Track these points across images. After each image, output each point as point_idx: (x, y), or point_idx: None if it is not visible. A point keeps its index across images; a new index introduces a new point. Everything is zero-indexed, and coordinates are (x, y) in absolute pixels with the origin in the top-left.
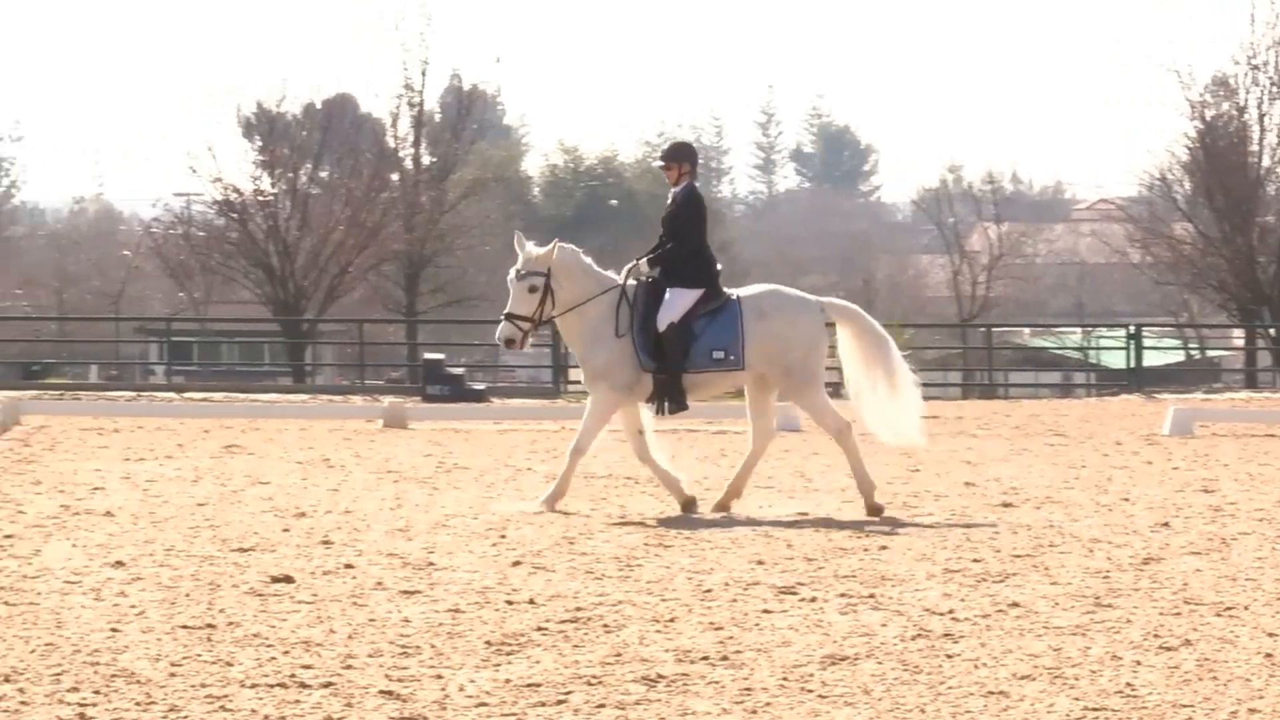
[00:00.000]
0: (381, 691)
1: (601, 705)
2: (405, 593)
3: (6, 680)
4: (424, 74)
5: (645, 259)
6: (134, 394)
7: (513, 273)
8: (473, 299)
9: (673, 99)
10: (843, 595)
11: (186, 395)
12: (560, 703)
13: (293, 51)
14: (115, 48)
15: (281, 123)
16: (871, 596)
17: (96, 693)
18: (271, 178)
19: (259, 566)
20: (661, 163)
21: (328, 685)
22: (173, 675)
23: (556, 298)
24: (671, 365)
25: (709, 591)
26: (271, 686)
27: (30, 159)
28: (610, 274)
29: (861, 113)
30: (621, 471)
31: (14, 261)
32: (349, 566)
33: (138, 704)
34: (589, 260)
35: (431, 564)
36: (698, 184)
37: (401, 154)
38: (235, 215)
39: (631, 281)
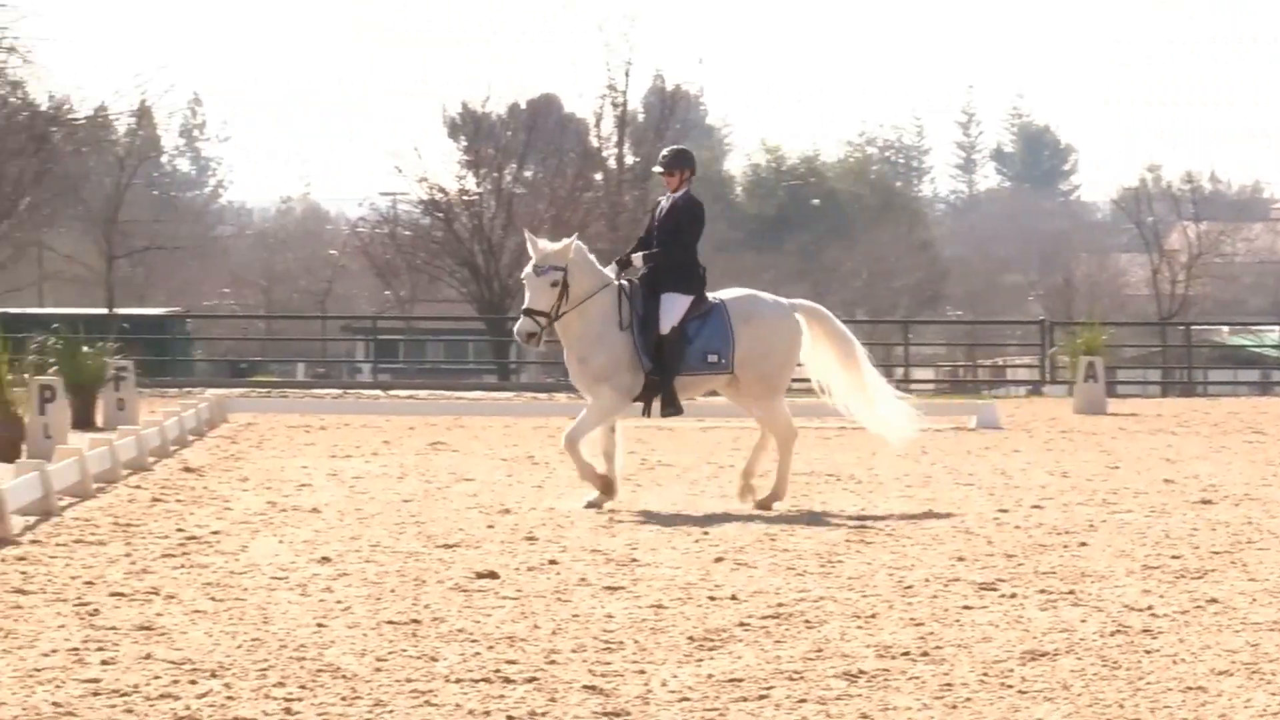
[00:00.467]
0: (585, 687)
1: (803, 700)
2: (609, 588)
3: (213, 675)
4: (627, 74)
5: (639, 255)
6: (340, 391)
7: (530, 268)
8: None
9: (874, 99)
10: (1042, 591)
11: (392, 393)
12: (762, 698)
13: (498, 52)
14: (322, 47)
15: (487, 123)
16: (1071, 593)
17: (302, 687)
18: (477, 177)
19: (464, 562)
20: (662, 169)
21: (531, 680)
22: (378, 670)
23: (570, 294)
24: (670, 368)
25: (910, 588)
26: (476, 681)
27: (238, 159)
28: (608, 271)
29: (1061, 113)
30: (823, 469)
31: (222, 261)
32: (553, 562)
33: (343, 699)
34: (592, 256)
35: (635, 560)
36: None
37: (605, 153)
38: (441, 214)
39: (624, 281)
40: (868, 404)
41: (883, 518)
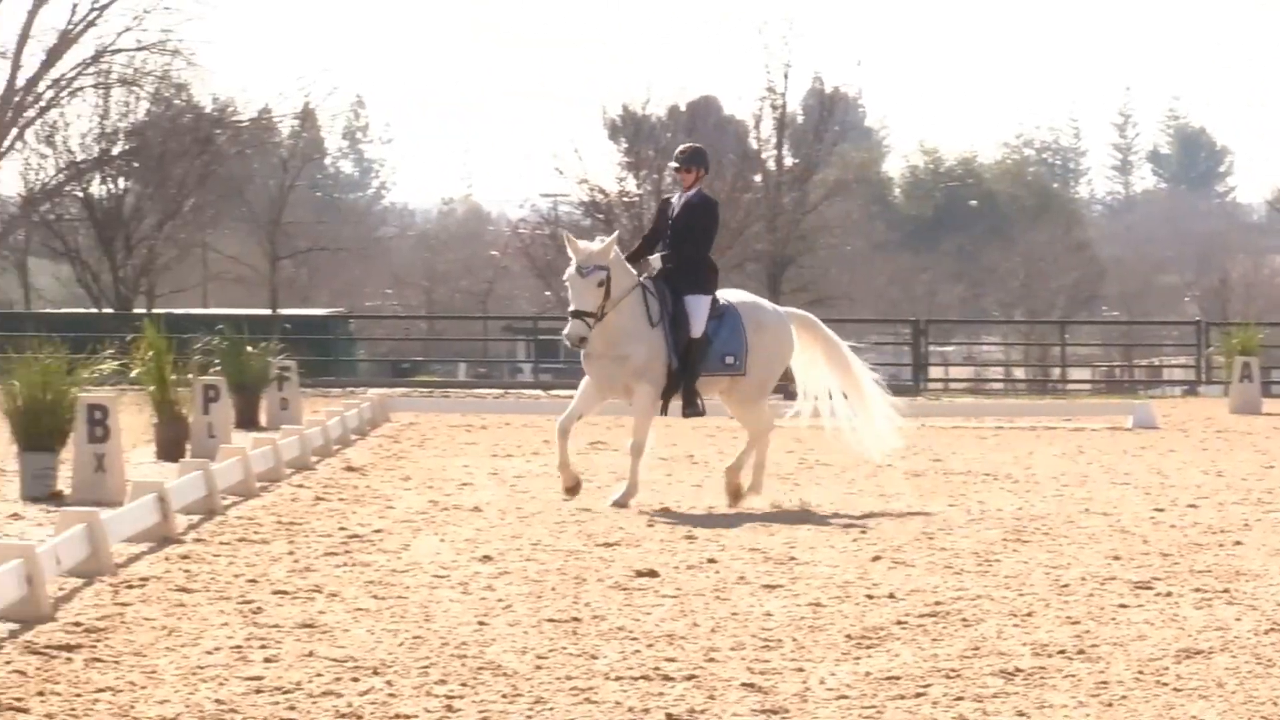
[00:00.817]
0: (743, 684)
1: (960, 698)
2: (767, 587)
3: (375, 673)
4: (786, 76)
5: (656, 255)
6: (501, 391)
7: (574, 269)
8: (834, 298)
9: (1031, 100)
10: (1197, 590)
11: (553, 393)
12: (919, 695)
13: (658, 55)
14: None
15: (647, 125)
16: (1226, 591)
17: (463, 685)
18: (636, 178)
19: (624, 561)
20: (677, 165)
21: (690, 678)
22: (538, 668)
23: (610, 293)
24: (695, 369)
25: (1066, 586)
26: (635, 679)
27: (400, 160)
28: (632, 270)
29: (1217, 115)
30: (980, 468)
31: (384, 261)
32: (712, 561)
33: (504, 696)
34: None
35: (793, 558)
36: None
37: (764, 155)
38: (601, 215)
39: (645, 280)
40: (862, 408)
41: (1039, 517)
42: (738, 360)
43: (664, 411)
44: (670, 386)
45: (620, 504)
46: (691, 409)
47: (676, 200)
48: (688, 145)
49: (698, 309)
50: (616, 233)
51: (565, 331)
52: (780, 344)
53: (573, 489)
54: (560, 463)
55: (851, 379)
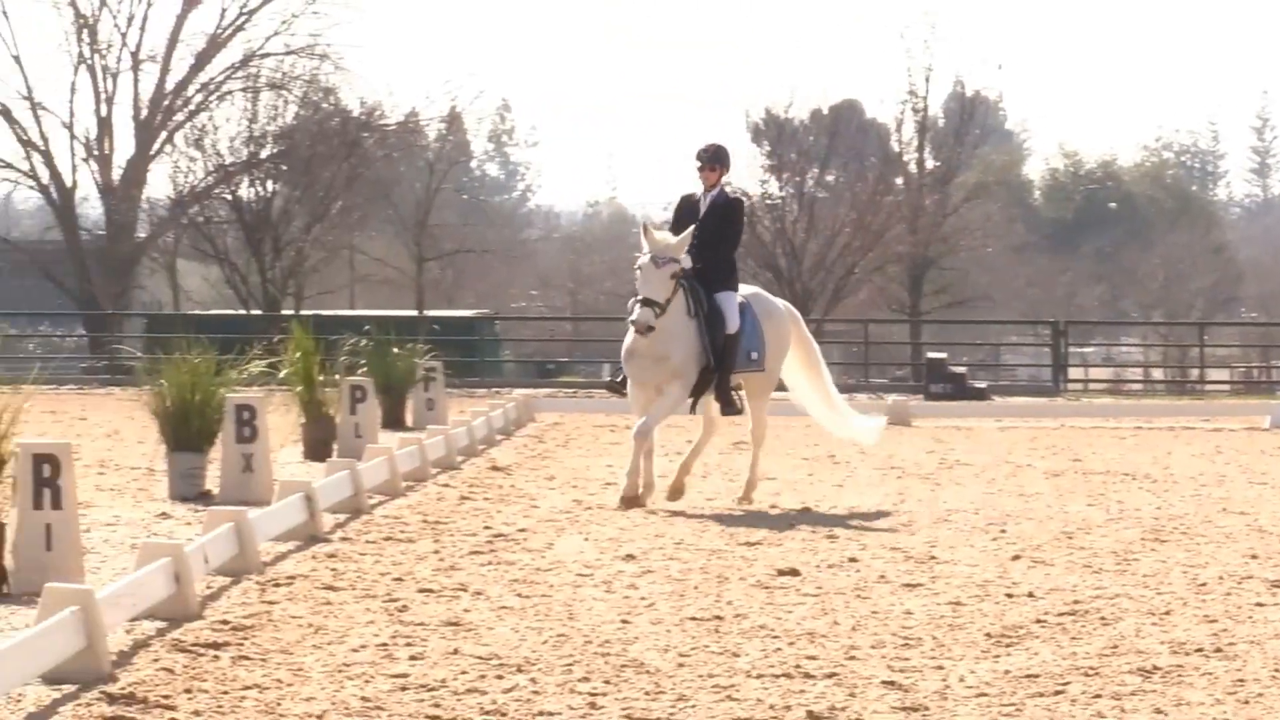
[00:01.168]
0: (884, 682)
1: (1098, 696)
2: (907, 585)
3: (519, 670)
4: (928, 80)
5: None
6: None
7: (648, 258)
8: (975, 300)
9: (1170, 104)
10: None
11: None
12: (1058, 693)
13: (794, 57)
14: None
15: (789, 128)
16: None
17: (606, 682)
18: (779, 181)
19: (765, 560)
20: (702, 164)
21: (831, 675)
22: (681, 665)
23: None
24: (730, 366)
25: (1203, 585)
26: (777, 677)
27: (546, 163)
28: None
29: None
30: (1119, 468)
31: (529, 263)
32: (853, 560)
33: (646, 694)
34: None
35: (933, 558)
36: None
37: (905, 158)
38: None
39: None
40: (830, 408)
41: (1177, 516)
42: (759, 355)
43: (694, 410)
44: (699, 385)
45: (630, 499)
46: (731, 408)
47: (702, 198)
48: (711, 144)
49: (730, 306)
50: (692, 227)
51: (634, 316)
52: (783, 335)
53: (633, 500)
54: (632, 469)
55: (820, 378)
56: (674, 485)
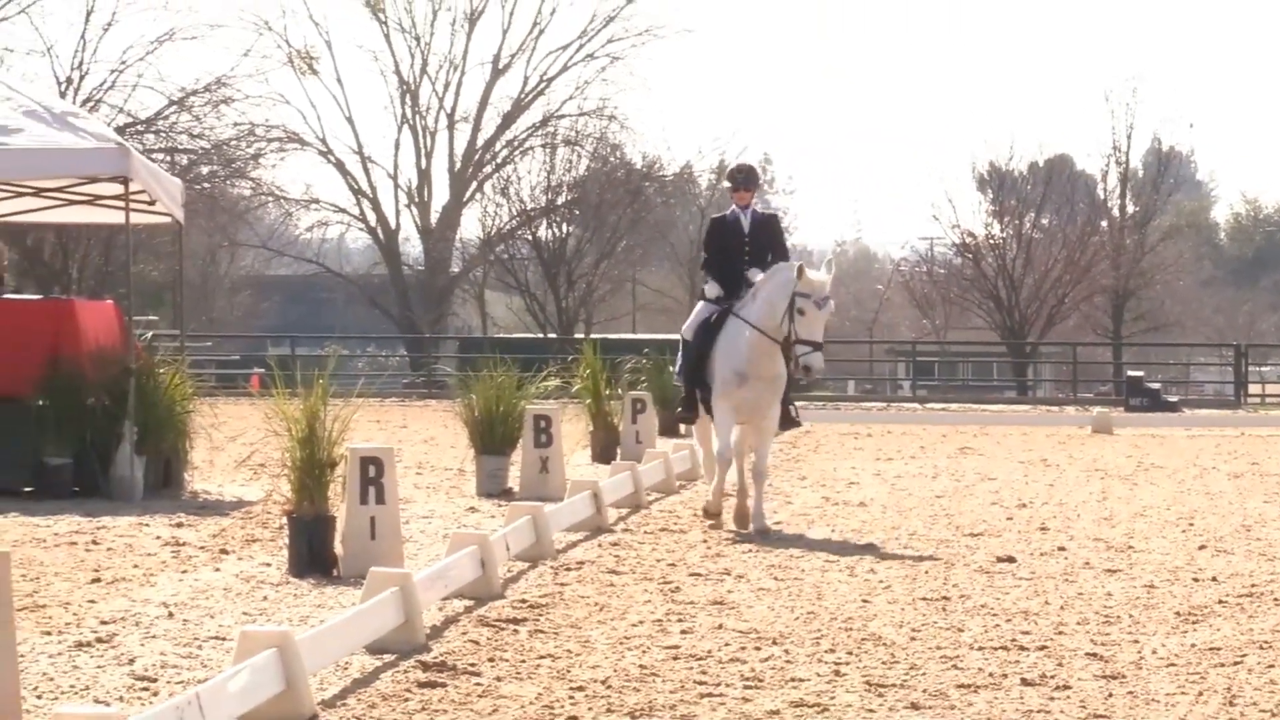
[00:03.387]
0: (1087, 654)
1: (1272, 665)
2: (1109, 571)
3: (774, 643)
4: (1129, 137)
5: (755, 271)
6: (884, 405)
7: (815, 300)
8: (1169, 325)
9: None
10: None
11: (928, 406)
12: (1237, 664)
13: (1020, 116)
14: (846, 97)
15: (1010, 178)
16: None
17: (849, 653)
18: (1000, 224)
19: (986, 549)
20: (736, 186)
21: (1042, 648)
22: (913, 639)
23: None
24: (792, 385)
25: None
26: (995, 649)
27: (802, 207)
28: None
29: None
30: None
31: None
32: (1061, 549)
33: (883, 663)
34: None
35: (1131, 547)
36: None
37: (1109, 204)
38: (970, 256)
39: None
40: None
41: None
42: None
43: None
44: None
45: (762, 529)
46: (791, 422)
47: (744, 217)
48: (743, 165)
49: None
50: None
51: (816, 364)
52: None
53: (718, 515)
54: (717, 488)
55: None
56: (740, 510)
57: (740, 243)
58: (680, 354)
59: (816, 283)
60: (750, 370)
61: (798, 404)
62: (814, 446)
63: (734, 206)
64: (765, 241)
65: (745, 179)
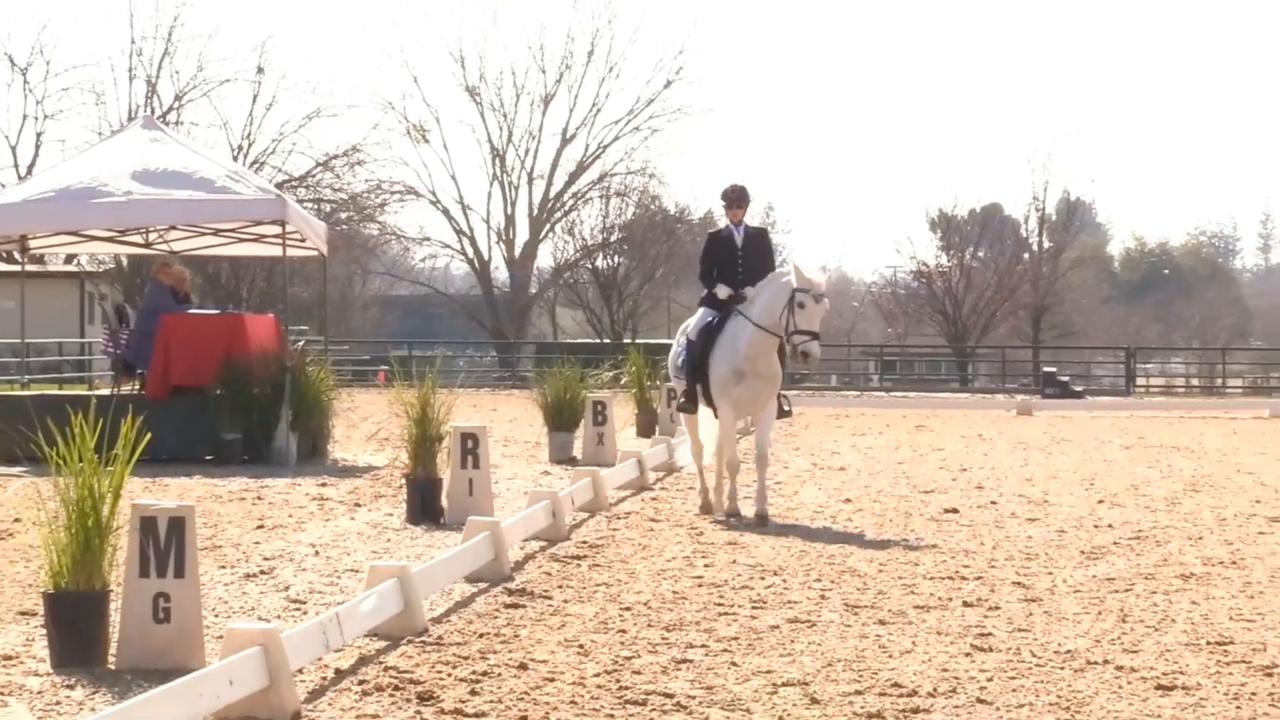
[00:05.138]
0: (1013, 583)
1: (1154, 592)
2: (1029, 519)
3: (775, 574)
4: (1045, 189)
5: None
6: (858, 394)
7: (814, 294)
8: (1075, 333)
9: (1205, 203)
10: None
11: (892, 394)
12: (1127, 590)
13: (962, 173)
14: (848, 163)
15: (954, 221)
16: None
17: (832, 582)
18: (947, 256)
19: (936, 502)
20: (730, 203)
21: (979, 578)
22: (880, 571)
23: None
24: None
25: (1224, 520)
26: (943, 579)
27: (796, 243)
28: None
29: None
30: (1169, 443)
31: None
32: (993, 503)
33: (857, 589)
34: None
35: (1046, 501)
36: None
37: (1030, 241)
38: (924, 280)
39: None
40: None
41: (1206, 475)
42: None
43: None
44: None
45: (763, 516)
46: (784, 413)
47: (737, 232)
48: (736, 185)
49: None
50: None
51: (814, 351)
52: None
53: (711, 512)
54: (717, 489)
55: None
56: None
57: (734, 254)
58: (683, 350)
59: (814, 280)
60: (748, 367)
61: (790, 395)
62: (805, 425)
63: (728, 222)
64: (756, 253)
65: (738, 197)
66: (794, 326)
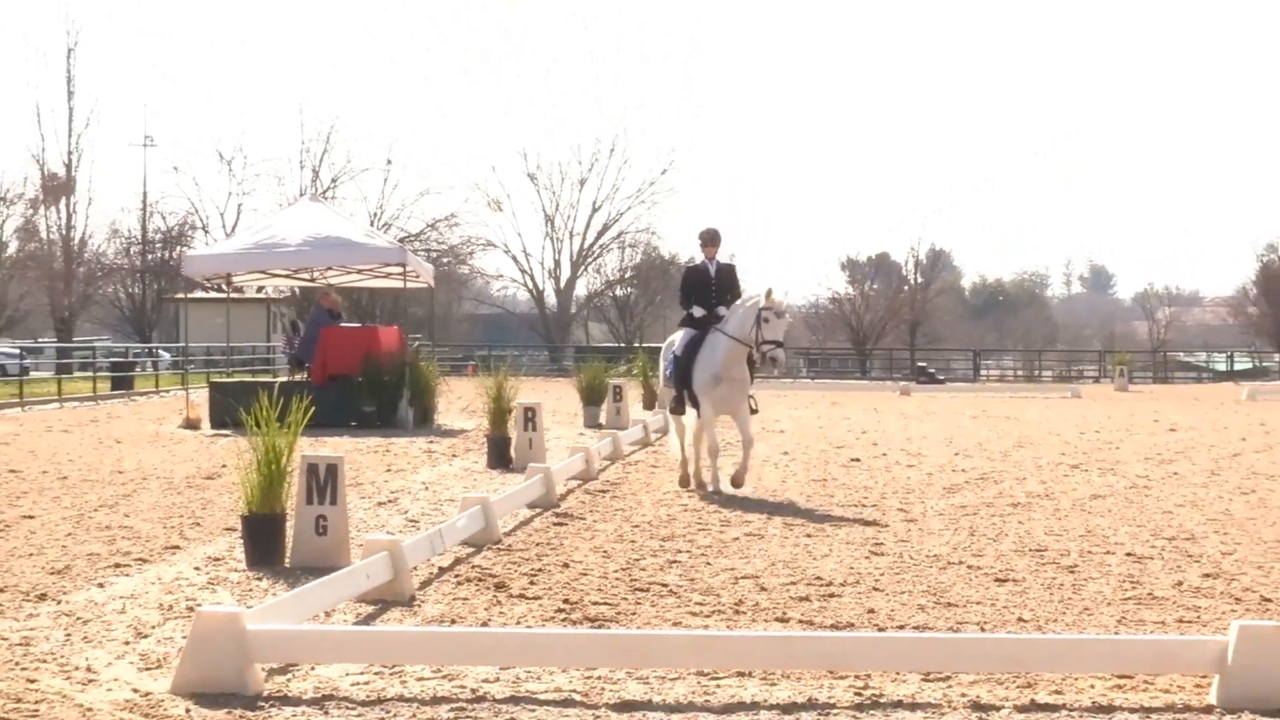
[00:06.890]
0: (897, 509)
1: (994, 516)
2: (908, 466)
3: (737, 503)
4: (919, 242)
5: (723, 308)
6: (792, 381)
7: (774, 312)
8: (940, 340)
9: (1028, 253)
10: (1100, 468)
11: (816, 382)
12: (975, 514)
13: (861, 229)
14: (795, 213)
15: (857, 264)
16: (1112, 470)
17: (774, 507)
18: (854, 289)
19: (845, 454)
20: (704, 242)
21: (874, 506)
22: (808, 500)
23: None
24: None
25: (1040, 465)
26: (849, 505)
27: (751, 280)
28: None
29: None
30: (1002, 414)
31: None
32: (884, 454)
33: (792, 513)
34: None
35: (920, 454)
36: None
37: (909, 278)
38: (838, 304)
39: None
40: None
41: (1028, 436)
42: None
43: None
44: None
45: (738, 483)
46: (754, 411)
47: (711, 267)
48: (711, 228)
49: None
50: (784, 295)
51: (780, 356)
52: None
53: (688, 484)
54: (695, 471)
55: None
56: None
57: (708, 284)
58: (671, 363)
59: (777, 302)
60: (724, 373)
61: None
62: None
63: (703, 259)
64: (726, 283)
65: (711, 237)
66: (762, 338)
